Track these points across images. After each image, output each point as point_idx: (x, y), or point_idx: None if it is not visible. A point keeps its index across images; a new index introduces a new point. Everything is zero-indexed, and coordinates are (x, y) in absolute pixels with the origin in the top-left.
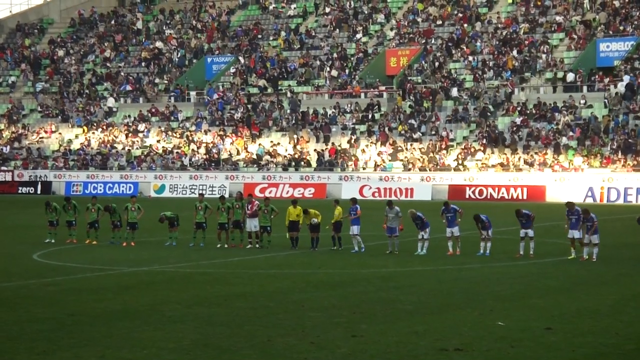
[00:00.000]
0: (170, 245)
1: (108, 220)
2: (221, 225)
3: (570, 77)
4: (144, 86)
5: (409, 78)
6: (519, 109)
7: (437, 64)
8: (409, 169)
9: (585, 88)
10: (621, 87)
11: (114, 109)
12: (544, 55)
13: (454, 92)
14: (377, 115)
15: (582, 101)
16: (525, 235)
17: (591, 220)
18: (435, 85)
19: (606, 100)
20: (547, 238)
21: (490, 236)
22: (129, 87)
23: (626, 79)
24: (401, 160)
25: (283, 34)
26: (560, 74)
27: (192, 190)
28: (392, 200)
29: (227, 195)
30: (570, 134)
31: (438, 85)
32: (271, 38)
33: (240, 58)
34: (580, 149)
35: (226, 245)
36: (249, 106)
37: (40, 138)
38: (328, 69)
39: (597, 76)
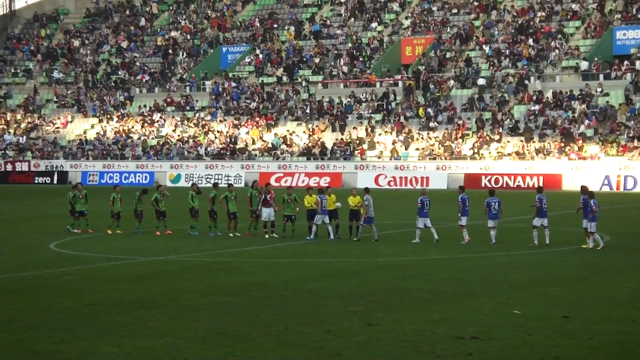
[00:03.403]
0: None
1: (131, 210)
2: (233, 215)
3: (585, 65)
4: (159, 76)
5: (424, 67)
6: (534, 97)
7: (452, 53)
8: (432, 156)
9: (601, 76)
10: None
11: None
12: (558, 45)
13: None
14: (393, 105)
15: (599, 89)
16: (540, 225)
17: (595, 205)
18: (450, 73)
19: (628, 89)
20: (563, 227)
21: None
22: (146, 77)
23: None
24: (418, 149)
25: (292, 28)
26: (574, 63)
27: (208, 180)
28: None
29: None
30: (587, 120)
31: (451, 75)
32: (286, 27)
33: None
34: (596, 137)
35: (238, 234)
36: (265, 95)
37: (56, 128)
38: (343, 60)
39: (614, 64)
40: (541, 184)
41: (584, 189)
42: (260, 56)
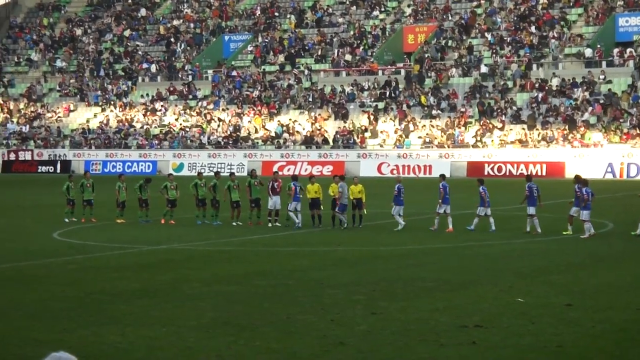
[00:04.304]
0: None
1: (136, 199)
2: (236, 204)
3: (589, 52)
4: (164, 65)
5: (427, 55)
6: (537, 85)
7: (453, 41)
8: (429, 145)
9: (604, 63)
10: None
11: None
12: (556, 35)
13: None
14: (394, 93)
15: (602, 77)
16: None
17: (586, 193)
18: (451, 61)
19: (633, 76)
20: (565, 215)
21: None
22: (145, 66)
23: None
24: (420, 137)
25: (293, 17)
26: (576, 50)
27: (211, 169)
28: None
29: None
30: (590, 108)
31: (452, 63)
32: (288, 16)
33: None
34: (599, 125)
35: (240, 223)
36: (266, 84)
37: (58, 117)
38: (345, 48)
39: (617, 51)
40: (531, 173)
41: (577, 178)
42: (260, 47)
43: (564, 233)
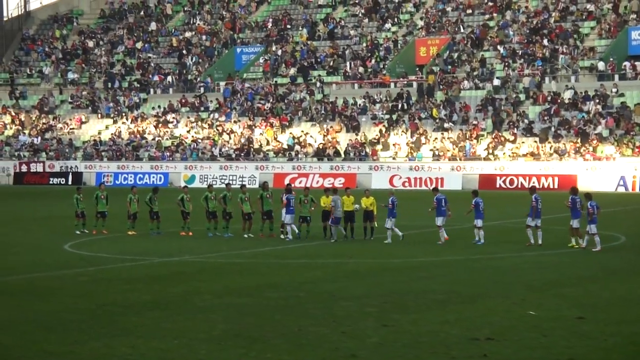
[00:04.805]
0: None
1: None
2: (248, 215)
3: (601, 65)
4: (177, 78)
5: (438, 67)
6: (549, 98)
7: (465, 54)
8: (436, 157)
9: (616, 77)
10: None
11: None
12: (566, 50)
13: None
14: (406, 105)
15: (614, 90)
16: (534, 225)
17: (591, 207)
18: (463, 74)
19: None
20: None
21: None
22: (157, 78)
23: None
24: (432, 150)
25: (305, 30)
26: (589, 63)
27: (222, 181)
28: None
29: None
30: (603, 120)
31: (464, 76)
32: (300, 28)
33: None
34: (611, 138)
35: (252, 235)
36: (278, 97)
37: (70, 129)
38: (357, 61)
39: (629, 64)
40: (540, 185)
41: (573, 189)
42: (269, 62)
43: (569, 245)
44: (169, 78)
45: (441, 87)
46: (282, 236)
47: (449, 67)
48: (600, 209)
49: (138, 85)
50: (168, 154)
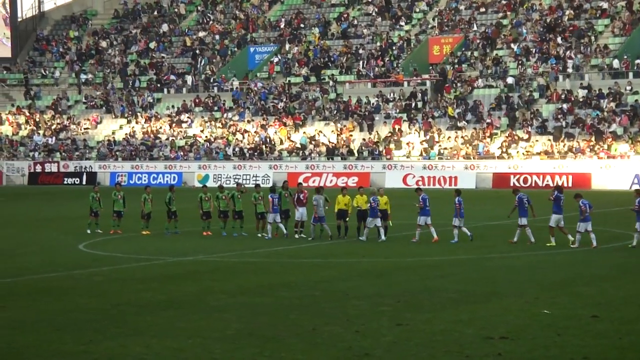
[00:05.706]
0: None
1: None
2: (261, 215)
3: (615, 63)
4: (193, 77)
5: (450, 66)
6: (563, 96)
7: (478, 53)
8: (449, 155)
9: (631, 74)
10: None
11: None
12: (576, 52)
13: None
14: (420, 104)
15: (628, 87)
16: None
17: (584, 205)
18: (476, 72)
19: None
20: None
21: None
22: (173, 77)
23: None
24: (445, 149)
25: (317, 30)
26: (602, 61)
27: (236, 180)
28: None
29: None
30: (617, 118)
31: (477, 74)
32: (313, 27)
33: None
34: (626, 136)
35: (265, 235)
36: (291, 96)
37: (85, 129)
38: (370, 60)
39: None
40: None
41: (558, 187)
42: (280, 64)
43: (548, 245)
44: (187, 79)
45: (454, 85)
46: (296, 235)
47: (462, 65)
48: (593, 207)
49: (159, 85)
50: (182, 153)
